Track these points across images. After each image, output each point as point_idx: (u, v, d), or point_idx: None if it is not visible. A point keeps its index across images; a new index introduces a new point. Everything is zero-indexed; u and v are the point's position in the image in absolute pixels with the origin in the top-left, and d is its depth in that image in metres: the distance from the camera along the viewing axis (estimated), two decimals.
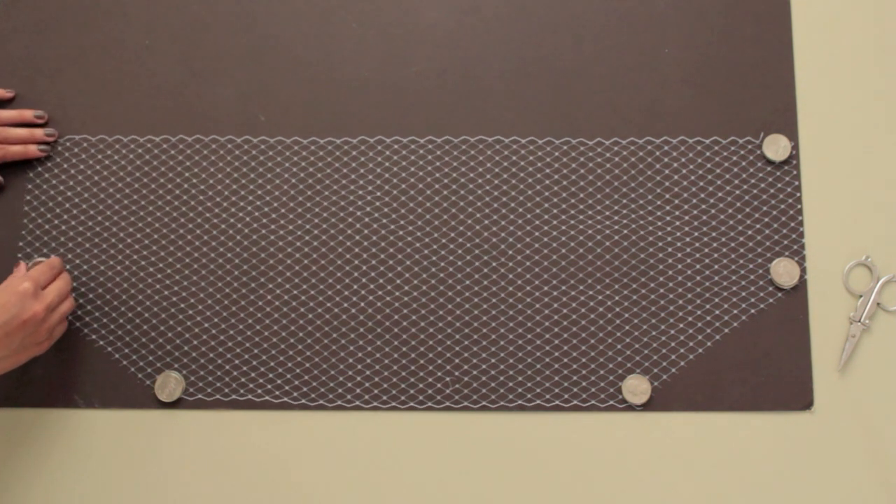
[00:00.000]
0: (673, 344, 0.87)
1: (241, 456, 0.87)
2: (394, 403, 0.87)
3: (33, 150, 0.92)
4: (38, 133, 0.93)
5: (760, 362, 0.87)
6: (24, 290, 0.80)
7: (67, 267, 0.91)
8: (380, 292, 0.90)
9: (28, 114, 0.93)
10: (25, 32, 0.97)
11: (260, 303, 0.90)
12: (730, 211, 0.90)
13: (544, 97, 0.93)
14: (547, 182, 0.91)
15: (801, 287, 0.88)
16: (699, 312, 0.88)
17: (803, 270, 0.88)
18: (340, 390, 0.88)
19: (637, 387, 0.87)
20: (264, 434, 0.87)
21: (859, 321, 0.87)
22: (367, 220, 0.91)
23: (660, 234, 0.90)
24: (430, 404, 0.87)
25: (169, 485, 0.86)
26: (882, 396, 0.86)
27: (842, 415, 0.86)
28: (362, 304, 0.89)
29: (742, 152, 0.91)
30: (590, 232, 0.90)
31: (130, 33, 0.96)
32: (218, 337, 0.89)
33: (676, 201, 0.90)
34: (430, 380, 0.88)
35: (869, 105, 0.92)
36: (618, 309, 0.88)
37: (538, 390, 0.87)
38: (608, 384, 0.87)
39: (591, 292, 0.89)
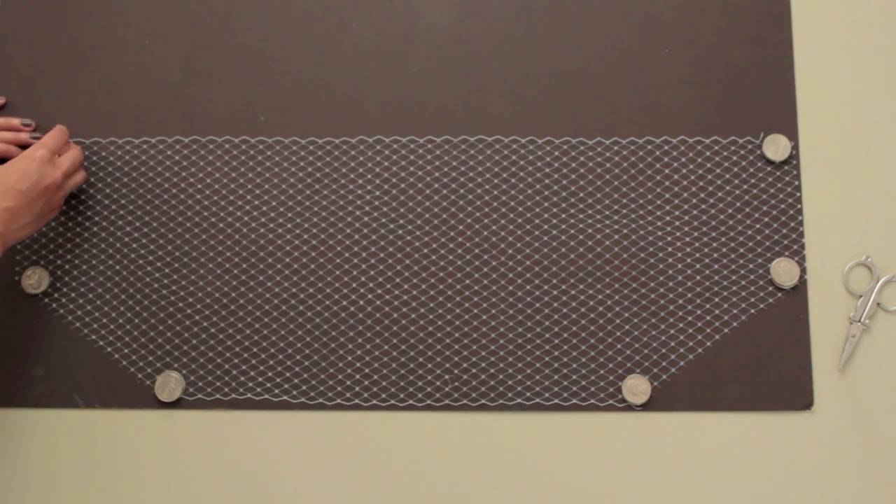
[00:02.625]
0: (673, 344, 0.87)
1: (241, 456, 0.87)
2: (393, 402, 0.87)
3: (15, 151, 0.92)
4: (24, 135, 0.93)
5: (760, 362, 0.87)
6: (42, 157, 0.84)
7: (66, 267, 0.91)
8: (379, 291, 0.90)
9: (15, 122, 0.93)
10: (22, 33, 0.97)
11: (259, 301, 0.90)
12: (730, 211, 0.90)
13: (544, 97, 0.93)
14: (547, 182, 0.91)
15: (801, 287, 0.88)
16: (699, 312, 0.88)
17: (803, 270, 0.88)
18: (339, 388, 0.88)
19: (637, 387, 0.87)
20: (264, 434, 0.87)
21: (859, 321, 0.87)
22: (366, 219, 0.91)
23: (660, 234, 0.90)
24: (428, 402, 0.87)
25: (169, 485, 0.86)
26: (882, 396, 0.86)
27: (842, 415, 0.85)
28: (361, 302, 0.89)
29: (742, 152, 0.91)
30: (590, 232, 0.90)
31: (130, 33, 0.96)
32: (217, 336, 0.89)
33: (676, 201, 0.90)
34: (430, 378, 0.88)
35: (869, 105, 0.92)
36: (618, 309, 0.88)
37: (537, 389, 0.87)
38: (608, 384, 0.87)
39: (591, 292, 0.89)
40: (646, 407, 0.86)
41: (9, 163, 0.85)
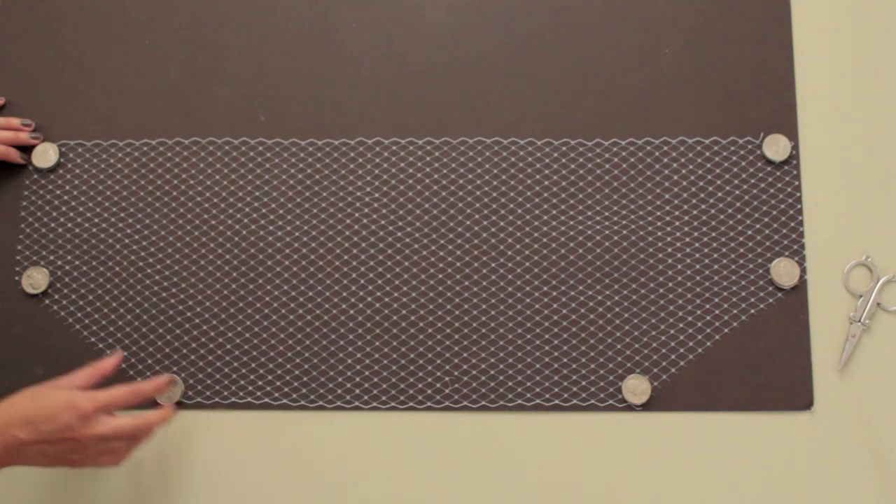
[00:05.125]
0: (673, 344, 0.87)
1: (241, 457, 0.87)
2: (393, 403, 0.87)
3: (14, 154, 0.92)
4: (23, 135, 0.93)
5: (760, 362, 0.87)
6: (82, 410, 0.74)
7: (66, 268, 0.91)
8: (379, 293, 0.90)
9: (15, 121, 0.93)
10: (22, 33, 0.97)
11: (258, 304, 0.90)
12: (730, 211, 0.90)
13: (544, 97, 0.93)
14: (546, 183, 0.91)
15: (801, 287, 0.88)
16: (699, 312, 0.88)
17: (803, 270, 0.88)
18: (340, 391, 0.88)
19: (637, 387, 0.87)
20: (264, 435, 0.87)
21: (859, 321, 0.87)
22: (365, 221, 0.91)
23: (660, 234, 0.90)
24: (429, 404, 0.87)
25: (168, 487, 0.87)
26: (882, 396, 0.86)
27: (842, 415, 0.85)
28: (361, 304, 0.89)
29: (742, 152, 0.91)
30: (589, 232, 0.90)
31: (130, 33, 0.96)
32: (216, 339, 0.89)
33: (676, 201, 0.90)
34: (430, 380, 0.88)
35: (869, 105, 0.91)
36: (618, 309, 0.88)
37: (538, 390, 0.87)
38: (608, 384, 0.87)
39: (590, 292, 0.89)
40: (646, 407, 0.86)
41: (54, 395, 0.76)
